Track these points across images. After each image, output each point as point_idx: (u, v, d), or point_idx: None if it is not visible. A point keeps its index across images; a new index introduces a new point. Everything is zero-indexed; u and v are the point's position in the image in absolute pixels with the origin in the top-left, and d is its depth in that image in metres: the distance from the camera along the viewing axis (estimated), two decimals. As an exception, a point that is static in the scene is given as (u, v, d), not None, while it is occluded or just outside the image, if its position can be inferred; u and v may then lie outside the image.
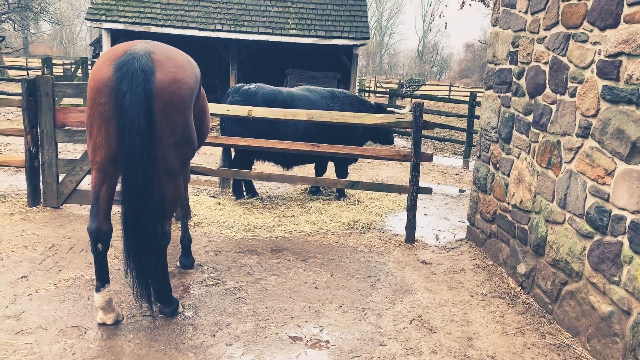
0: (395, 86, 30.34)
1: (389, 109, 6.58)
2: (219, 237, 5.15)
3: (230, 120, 6.12)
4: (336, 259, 4.77)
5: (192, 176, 6.60)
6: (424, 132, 14.78)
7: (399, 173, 9.08)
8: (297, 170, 8.55)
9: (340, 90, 6.79)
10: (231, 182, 6.59)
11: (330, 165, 8.33)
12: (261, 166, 8.22)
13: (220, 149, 8.06)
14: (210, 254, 4.71)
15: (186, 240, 4.33)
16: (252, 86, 6.35)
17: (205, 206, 6.05)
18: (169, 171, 3.19)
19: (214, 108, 5.33)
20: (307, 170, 7.97)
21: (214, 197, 6.52)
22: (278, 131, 6.16)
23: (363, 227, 5.72)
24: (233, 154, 6.54)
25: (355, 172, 8.77)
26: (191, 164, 4.42)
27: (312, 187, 7.02)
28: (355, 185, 5.40)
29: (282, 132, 6.15)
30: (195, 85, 3.28)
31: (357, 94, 14.70)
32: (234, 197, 6.50)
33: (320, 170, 7.15)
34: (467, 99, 12.47)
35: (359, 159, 9.62)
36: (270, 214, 6.01)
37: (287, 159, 6.45)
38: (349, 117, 5.30)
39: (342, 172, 6.87)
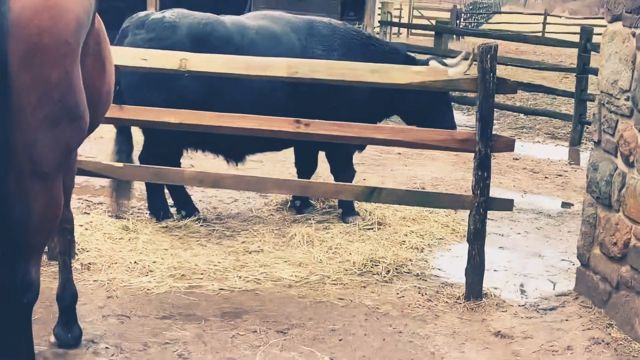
0: (447, 16, 30.55)
1: (430, 61, 6.59)
2: (128, 291, 5.16)
3: (135, 80, 6.14)
4: (340, 330, 4.78)
5: (80, 180, 6.59)
6: (499, 98, 14.85)
7: (452, 173, 9.12)
8: (269, 168, 8.53)
9: (327, 20, 6.81)
10: (143, 190, 6.67)
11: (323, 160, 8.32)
12: (194, 159, 8.21)
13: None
14: (111, 320, 4.72)
15: (68, 296, 4.32)
16: (168, 14, 6.42)
17: (102, 234, 6.09)
18: (38, 169, 3.21)
19: (119, 55, 5.31)
20: (283, 165, 7.98)
21: (118, 217, 6.56)
22: (220, 99, 6.25)
23: (389, 272, 5.74)
24: (142, 139, 6.62)
25: (376, 171, 8.79)
26: (79, 158, 4.41)
27: (295, 199, 7.06)
28: (374, 195, 5.42)
29: (226, 101, 6.24)
30: (86, 14, 3.30)
31: (374, 29, 14.71)
32: (153, 218, 6.57)
33: (306, 165, 7.18)
34: (576, 38, 12.58)
35: (373, 148, 9.62)
36: (220, 247, 6.02)
37: (238, 146, 6.53)
38: (364, 71, 5.32)
39: (341, 169, 6.90)
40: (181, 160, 6.84)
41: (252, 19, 6.69)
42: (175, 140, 6.38)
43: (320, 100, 6.40)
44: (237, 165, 6.88)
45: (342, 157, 6.89)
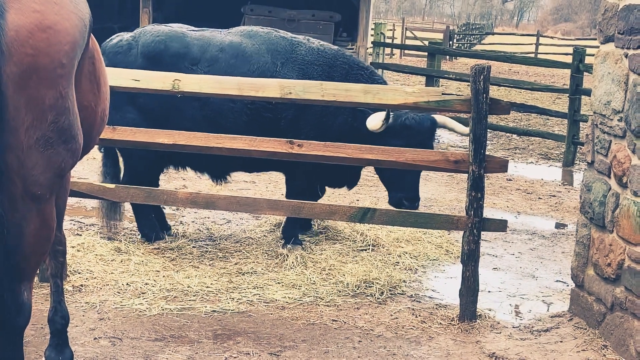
0: (440, 37, 30.71)
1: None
2: (119, 313, 5.15)
3: None
4: (334, 352, 4.78)
5: (72, 201, 6.59)
6: (492, 119, 14.93)
7: (446, 194, 9.15)
8: (262, 189, 8.53)
9: (318, 44, 6.57)
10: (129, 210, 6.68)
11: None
12: (186, 180, 8.21)
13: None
14: (103, 343, 4.71)
15: (59, 319, 4.30)
16: (128, 35, 6.51)
17: (94, 255, 6.09)
18: (31, 191, 3.20)
19: (112, 76, 5.33)
20: (276, 186, 8.01)
21: (110, 238, 6.56)
22: (178, 115, 6.29)
23: (383, 293, 5.76)
24: (121, 160, 6.66)
25: (369, 192, 8.82)
26: (72, 179, 4.41)
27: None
28: (367, 216, 5.44)
29: (182, 118, 6.29)
30: (81, 35, 3.30)
31: (367, 50, 14.73)
32: (144, 240, 6.58)
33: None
34: (569, 59, 12.66)
35: (366, 168, 9.69)
36: (213, 269, 6.04)
37: (224, 164, 6.50)
38: (356, 92, 5.35)
39: (300, 189, 6.65)
40: (175, 180, 6.84)
41: (229, 34, 6.56)
42: (156, 161, 6.46)
43: (284, 125, 6.34)
44: (221, 183, 6.88)
45: (301, 179, 6.66)
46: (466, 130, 5.90)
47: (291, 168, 6.48)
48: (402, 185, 6.35)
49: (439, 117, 6.38)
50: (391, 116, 6.02)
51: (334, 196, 8.15)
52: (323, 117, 6.33)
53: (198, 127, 6.03)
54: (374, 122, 6.00)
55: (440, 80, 16.64)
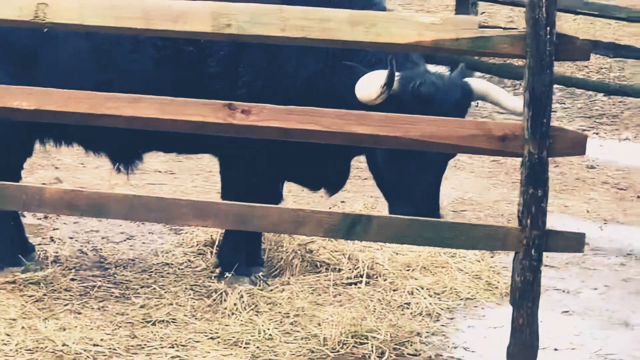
0: None
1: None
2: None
3: None
4: None
5: None
6: (563, 68, 14.95)
7: (486, 191, 9.15)
8: (186, 183, 8.47)
9: None
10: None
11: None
12: (60, 168, 8.10)
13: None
14: None
15: None
16: None
17: None
18: None
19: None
20: (208, 178, 7.87)
21: None
22: (52, 51, 6.41)
23: (383, 354, 5.76)
24: None
25: (361, 190, 8.83)
26: None
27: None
28: (358, 228, 5.40)
29: (59, 55, 6.41)
30: None
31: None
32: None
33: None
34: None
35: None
36: (105, 315, 6.03)
37: (132, 136, 6.39)
38: (340, 23, 5.31)
39: (244, 186, 6.71)
40: (42, 170, 6.81)
41: None
42: (17, 134, 6.48)
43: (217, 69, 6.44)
44: (130, 170, 6.90)
45: (249, 174, 6.73)
46: (519, 106, 5.88)
47: (230, 149, 6.51)
48: (409, 192, 6.34)
49: (478, 83, 6.41)
50: (397, 78, 6.00)
51: (303, 197, 8.13)
52: (278, 59, 6.41)
53: (84, 70, 6.09)
54: (368, 88, 5.94)
55: (480, 3, 16.61)
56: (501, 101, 6.34)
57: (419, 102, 6.10)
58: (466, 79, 6.32)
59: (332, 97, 6.17)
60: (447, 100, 6.18)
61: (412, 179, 6.23)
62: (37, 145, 6.85)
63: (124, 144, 6.66)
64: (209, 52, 6.39)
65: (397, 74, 5.97)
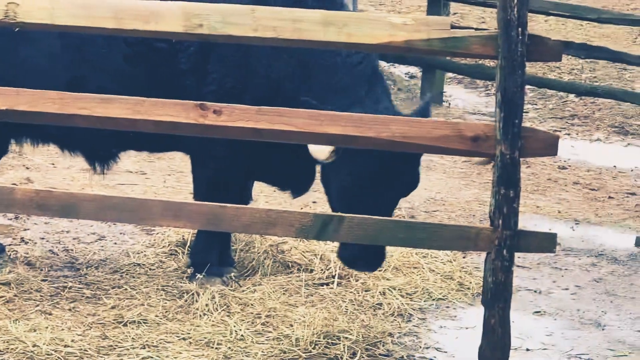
0: None
1: None
2: None
3: None
4: None
5: None
6: (535, 69, 15.00)
7: (458, 191, 9.17)
8: (157, 183, 8.46)
9: None
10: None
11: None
12: (31, 169, 8.08)
13: None
14: None
15: None
16: None
17: None
18: None
19: None
20: (179, 179, 7.87)
21: None
22: (25, 48, 6.43)
23: (355, 354, 5.77)
24: None
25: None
26: None
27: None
28: (329, 228, 5.38)
29: (32, 52, 6.42)
30: None
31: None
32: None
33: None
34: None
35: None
36: (76, 316, 6.01)
37: (105, 134, 6.39)
38: (312, 24, 5.30)
39: (215, 184, 6.73)
40: (12, 170, 6.78)
41: None
42: None
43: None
44: (105, 169, 6.90)
45: (219, 173, 6.73)
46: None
47: (200, 147, 6.54)
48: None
49: None
50: None
51: (275, 197, 8.13)
52: (249, 58, 6.42)
53: (58, 67, 6.10)
54: (318, 146, 5.94)
55: (452, 3, 16.63)
56: None
57: (370, 159, 6.11)
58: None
59: (298, 103, 6.17)
60: (398, 155, 6.12)
61: (363, 194, 6.23)
62: (13, 146, 6.85)
63: (99, 143, 6.66)
64: (179, 47, 6.42)
65: None
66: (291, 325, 5.96)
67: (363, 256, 6.16)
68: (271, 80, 6.42)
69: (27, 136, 6.75)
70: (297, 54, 6.30)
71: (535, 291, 6.96)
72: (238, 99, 5.77)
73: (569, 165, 10.42)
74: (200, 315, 6.08)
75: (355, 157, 6.03)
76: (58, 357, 5.46)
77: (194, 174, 6.85)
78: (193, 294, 6.31)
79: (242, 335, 5.84)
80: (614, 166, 10.69)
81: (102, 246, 7.26)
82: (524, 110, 5.25)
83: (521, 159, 5.23)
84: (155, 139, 6.34)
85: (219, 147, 6.32)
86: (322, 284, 6.62)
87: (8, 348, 5.51)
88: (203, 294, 6.27)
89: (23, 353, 5.47)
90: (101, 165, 6.84)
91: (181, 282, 6.54)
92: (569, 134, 11.92)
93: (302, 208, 7.84)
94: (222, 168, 6.60)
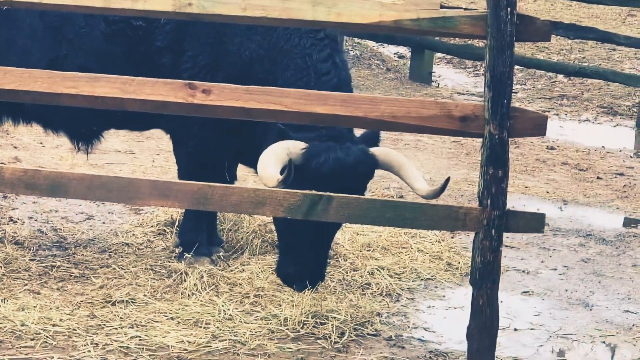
0: None
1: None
2: None
3: None
4: None
5: None
6: (524, 49, 15.00)
7: (448, 171, 9.15)
8: (146, 162, 8.44)
9: None
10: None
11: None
12: (19, 148, 8.05)
13: None
14: None
15: None
16: None
17: None
18: None
19: None
20: (167, 158, 7.84)
21: None
22: (7, 28, 6.44)
23: (343, 334, 5.76)
24: None
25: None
26: None
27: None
28: (318, 207, 5.37)
29: (14, 31, 6.45)
30: None
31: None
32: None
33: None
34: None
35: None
36: (64, 295, 6.01)
37: (89, 114, 6.33)
38: (301, 3, 5.28)
39: (199, 162, 6.75)
40: (0, 149, 6.77)
41: None
42: None
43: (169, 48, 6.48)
44: (89, 148, 6.90)
45: (202, 151, 6.75)
46: (428, 191, 5.94)
47: (180, 125, 6.53)
48: (296, 256, 6.37)
49: (384, 155, 6.35)
50: (301, 152, 5.99)
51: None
52: (223, 36, 6.44)
53: (39, 47, 6.11)
54: (267, 173, 5.88)
55: (440, -16, 16.63)
56: (408, 178, 6.30)
57: (320, 179, 6.08)
58: (373, 150, 6.30)
59: (268, 84, 6.17)
60: (348, 176, 6.16)
61: (300, 247, 6.28)
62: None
63: (81, 122, 6.65)
64: (156, 24, 6.45)
65: (302, 146, 6.03)
66: (279, 305, 5.95)
67: (300, 275, 6.24)
68: (243, 60, 6.43)
69: (8, 115, 6.77)
70: (269, 36, 6.33)
71: (523, 271, 6.97)
72: (211, 77, 5.80)
73: (558, 146, 10.43)
74: (188, 295, 6.06)
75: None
76: (46, 336, 5.43)
77: (175, 153, 6.89)
78: (181, 273, 6.30)
79: (230, 315, 5.82)
80: (603, 146, 10.71)
81: (91, 225, 7.25)
82: (513, 91, 5.24)
83: (510, 139, 5.24)
84: (136, 118, 6.39)
85: (197, 126, 6.33)
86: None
87: (-3, 327, 5.50)
88: (191, 273, 6.27)
89: (11, 332, 5.45)
90: (85, 145, 6.83)
91: (170, 262, 6.54)
92: (557, 115, 11.93)
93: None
94: (201, 147, 6.61)
